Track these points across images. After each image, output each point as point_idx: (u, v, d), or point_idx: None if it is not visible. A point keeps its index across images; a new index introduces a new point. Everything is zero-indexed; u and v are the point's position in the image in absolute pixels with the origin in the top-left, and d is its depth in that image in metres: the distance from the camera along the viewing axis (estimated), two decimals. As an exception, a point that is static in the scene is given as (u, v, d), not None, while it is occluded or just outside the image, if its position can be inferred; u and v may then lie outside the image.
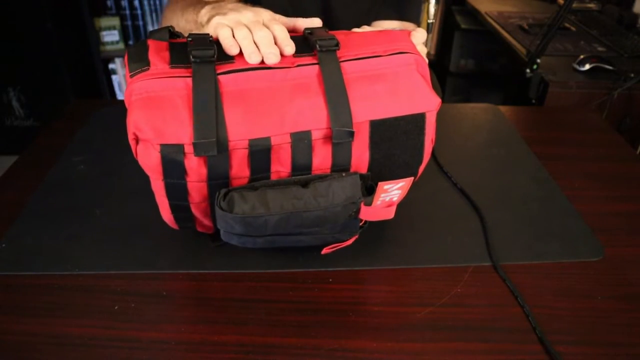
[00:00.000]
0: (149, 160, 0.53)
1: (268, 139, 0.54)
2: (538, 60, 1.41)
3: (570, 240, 0.68)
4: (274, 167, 0.56)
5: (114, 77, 2.39)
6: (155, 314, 0.56)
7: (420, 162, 0.62)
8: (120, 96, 2.43)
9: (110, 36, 2.31)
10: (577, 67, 1.46)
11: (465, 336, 0.55)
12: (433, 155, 0.84)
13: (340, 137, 0.55)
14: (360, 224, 0.59)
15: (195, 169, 0.53)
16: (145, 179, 0.68)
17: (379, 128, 0.57)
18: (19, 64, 2.16)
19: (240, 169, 0.54)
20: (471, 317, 0.57)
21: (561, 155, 0.87)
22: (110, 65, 2.36)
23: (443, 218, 0.71)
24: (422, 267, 0.63)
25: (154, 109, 0.51)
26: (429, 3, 0.85)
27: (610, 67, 1.44)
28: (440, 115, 0.97)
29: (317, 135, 0.55)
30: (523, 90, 1.49)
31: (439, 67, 2.43)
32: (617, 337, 0.55)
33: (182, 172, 0.53)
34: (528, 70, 1.43)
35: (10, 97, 2.23)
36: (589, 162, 0.86)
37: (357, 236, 0.61)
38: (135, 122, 0.51)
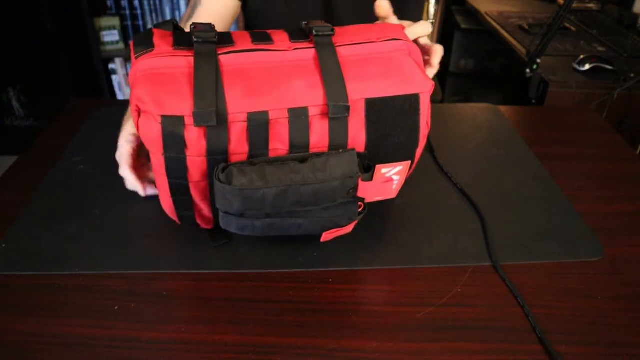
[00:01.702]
0: (150, 132, 0.54)
1: (266, 113, 0.55)
2: (538, 60, 1.42)
3: (570, 240, 0.68)
4: (272, 145, 0.57)
5: (114, 77, 2.39)
6: (155, 314, 0.56)
7: (417, 145, 0.62)
8: (120, 96, 2.43)
9: (110, 36, 2.31)
10: (577, 67, 1.46)
11: (465, 336, 0.55)
12: (433, 155, 0.84)
13: (337, 112, 0.56)
14: (360, 209, 0.60)
15: (195, 141, 0.54)
16: (145, 179, 0.68)
17: (374, 107, 0.58)
18: (19, 64, 2.16)
19: (239, 143, 0.55)
20: (471, 317, 0.57)
21: (561, 155, 0.87)
22: (110, 65, 2.36)
23: (443, 218, 0.71)
24: (422, 267, 0.63)
25: (156, 83, 0.54)
26: (429, 3, 0.85)
27: (610, 67, 1.44)
28: (440, 115, 0.98)
29: (314, 111, 0.57)
30: (523, 90, 1.49)
31: (439, 67, 2.43)
32: (617, 337, 0.55)
33: (182, 145, 0.54)
34: (528, 70, 1.43)
35: (10, 97, 2.24)
36: (589, 162, 0.86)
37: (356, 222, 0.61)
38: (138, 95, 0.53)
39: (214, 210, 0.61)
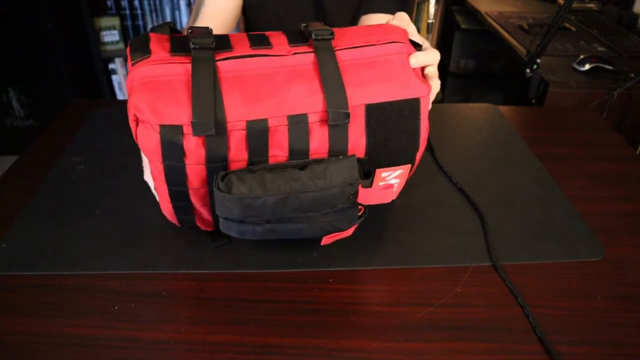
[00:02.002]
0: (149, 141, 0.54)
1: (265, 120, 0.55)
2: (538, 60, 1.41)
3: (570, 240, 0.68)
4: (272, 151, 0.56)
5: (114, 77, 2.39)
6: (155, 314, 0.56)
7: (417, 149, 0.62)
8: (120, 96, 2.43)
9: (110, 36, 2.31)
10: (577, 67, 1.46)
11: (465, 336, 0.55)
12: (433, 155, 0.84)
13: (336, 119, 0.56)
14: (360, 212, 0.59)
15: (194, 150, 0.54)
16: (145, 179, 0.68)
17: (374, 112, 0.58)
18: (19, 64, 2.16)
19: (238, 151, 0.55)
20: (471, 317, 0.57)
21: (561, 155, 0.87)
22: (110, 65, 2.36)
23: (443, 218, 0.71)
24: (422, 267, 0.63)
25: (153, 91, 0.53)
26: (429, 3, 0.85)
27: (610, 67, 1.44)
28: (440, 115, 0.98)
29: (313, 118, 0.56)
30: (523, 90, 1.49)
31: (439, 67, 2.43)
32: (617, 337, 0.55)
33: (181, 153, 0.54)
34: (528, 70, 1.43)
35: (10, 97, 2.23)
36: (589, 162, 0.86)
37: (356, 225, 0.60)
38: (136, 104, 0.53)
39: (214, 214, 0.61)
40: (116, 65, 2.36)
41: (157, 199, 0.65)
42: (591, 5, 2.02)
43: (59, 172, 0.79)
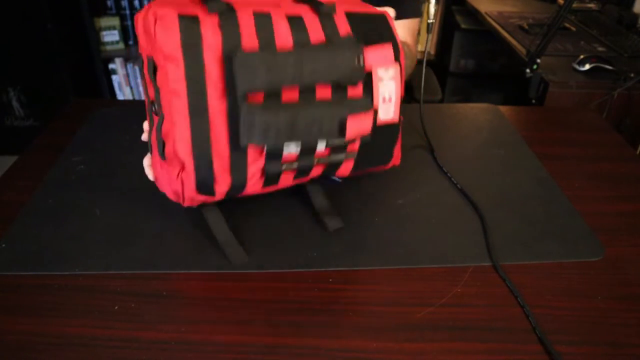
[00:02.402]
0: (168, 34, 0.57)
1: (269, 14, 0.62)
2: (538, 60, 1.42)
3: (570, 240, 0.68)
4: (278, 40, 0.61)
5: (114, 77, 2.39)
6: (155, 314, 0.56)
7: (399, 52, 0.69)
8: (120, 96, 2.43)
9: (110, 36, 2.32)
10: (577, 67, 1.46)
11: (465, 336, 0.55)
12: (433, 155, 0.84)
13: (325, 10, 0.65)
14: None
15: (211, 35, 0.58)
16: (145, 179, 0.68)
17: (354, 19, 0.67)
18: (19, 64, 2.16)
19: (249, 38, 0.60)
20: (471, 317, 0.57)
21: (561, 155, 0.87)
22: (110, 65, 2.36)
23: (443, 218, 0.71)
24: (422, 267, 0.63)
25: (172, 2, 0.60)
26: (429, 3, 0.85)
27: (610, 67, 1.44)
28: (440, 115, 0.98)
29: (307, 17, 0.64)
30: (523, 90, 1.49)
31: (439, 67, 2.44)
32: (617, 337, 0.55)
33: (199, 38, 0.58)
34: (528, 70, 1.43)
35: (10, 97, 2.24)
36: (589, 162, 0.86)
37: (372, 114, 0.64)
38: (154, 6, 0.58)
39: (231, 138, 0.60)
40: (116, 65, 2.36)
41: (155, 175, 0.65)
42: (591, 5, 2.03)
43: (59, 172, 0.79)
